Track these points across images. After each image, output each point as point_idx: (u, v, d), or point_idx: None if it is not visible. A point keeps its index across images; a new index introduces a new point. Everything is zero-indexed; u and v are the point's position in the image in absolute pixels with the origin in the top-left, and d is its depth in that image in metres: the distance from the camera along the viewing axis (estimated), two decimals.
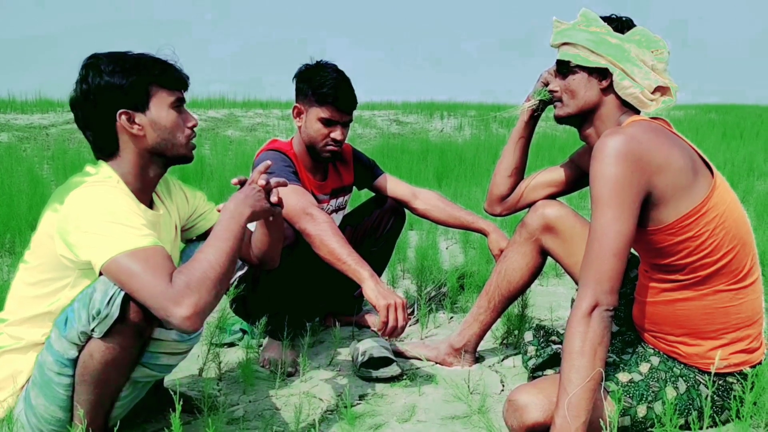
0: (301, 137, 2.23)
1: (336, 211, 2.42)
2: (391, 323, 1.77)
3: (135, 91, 1.44)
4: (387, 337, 1.79)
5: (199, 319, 1.26)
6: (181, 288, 1.25)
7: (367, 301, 2.70)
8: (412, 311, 2.67)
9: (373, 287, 1.80)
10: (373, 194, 2.51)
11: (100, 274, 1.32)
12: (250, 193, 1.47)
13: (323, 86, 2.14)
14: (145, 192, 1.53)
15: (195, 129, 1.56)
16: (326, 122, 2.17)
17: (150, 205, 1.57)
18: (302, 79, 2.20)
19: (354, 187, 2.50)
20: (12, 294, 1.49)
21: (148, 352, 1.42)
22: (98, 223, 1.31)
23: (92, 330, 1.32)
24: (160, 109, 1.48)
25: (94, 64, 1.44)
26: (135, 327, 1.34)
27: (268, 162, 1.57)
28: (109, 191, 1.39)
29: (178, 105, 1.52)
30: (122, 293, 1.30)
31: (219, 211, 1.52)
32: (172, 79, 1.50)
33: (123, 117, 1.44)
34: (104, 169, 1.48)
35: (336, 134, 2.18)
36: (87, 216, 1.33)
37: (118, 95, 1.43)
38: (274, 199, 1.54)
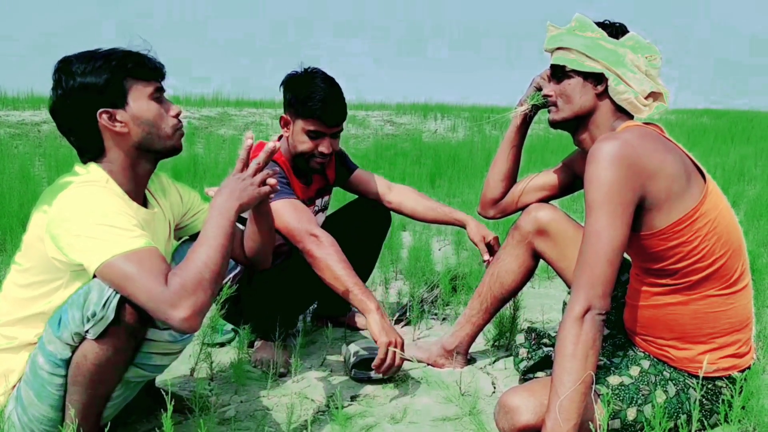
0: (289, 149, 2.16)
1: (322, 210, 2.40)
2: (388, 361, 1.82)
3: (111, 88, 1.41)
4: (378, 373, 1.87)
5: (197, 319, 1.26)
6: (177, 290, 1.25)
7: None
8: (405, 312, 2.67)
9: (377, 321, 1.84)
10: (355, 195, 2.46)
11: (94, 276, 1.31)
12: (235, 186, 1.44)
13: (310, 99, 2.05)
14: (137, 190, 1.51)
15: (180, 118, 1.52)
16: (313, 135, 2.09)
17: (144, 203, 1.56)
18: (288, 89, 2.12)
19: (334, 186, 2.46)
20: (4, 295, 1.48)
21: (141, 352, 1.42)
22: (89, 226, 1.30)
23: (86, 331, 1.31)
24: (139, 102, 1.44)
25: (65, 68, 1.41)
26: (129, 328, 1.33)
27: (275, 145, 1.50)
28: (98, 192, 1.37)
29: (158, 96, 1.47)
30: (118, 295, 1.29)
31: (207, 193, 1.50)
32: (147, 70, 1.46)
33: (104, 116, 1.42)
34: (93, 169, 1.46)
35: (323, 147, 2.10)
36: (77, 218, 1.31)
37: (94, 95, 1.40)
38: (267, 185, 1.48)
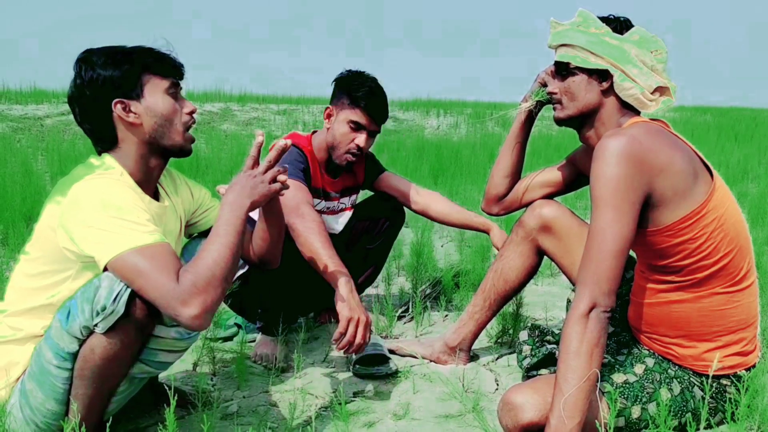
0: (326, 139, 2.23)
1: (347, 209, 2.41)
2: (347, 337, 1.71)
3: (128, 79, 1.44)
4: (339, 351, 1.75)
5: (207, 317, 1.27)
6: (188, 287, 1.25)
7: (361, 297, 2.71)
8: (407, 309, 2.67)
9: (345, 296, 1.76)
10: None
11: (105, 269, 1.31)
12: (246, 183, 1.45)
13: (359, 89, 2.16)
14: (148, 183, 1.53)
15: (194, 116, 1.54)
16: (354, 126, 2.17)
17: (155, 196, 1.57)
18: (340, 82, 2.22)
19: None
20: (12, 285, 1.48)
21: (147, 348, 1.42)
22: (103, 218, 1.31)
23: (95, 325, 1.32)
24: (155, 95, 1.47)
25: (86, 58, 1.44)
26: (138, 323, 1.34)
27: (286, 143, 1.52)
28: (112, 184, 1.38)
29: (173, 91, 1.51)
30: (128, 290, 1.30)
31: (219, 191, 1.50)
32: (165, 65, 1.49)
33: (118, 106, 1.44)
34: (108, 161, 1.48)
35: (360, 140, 2.18)
36: (91, 210, 1.32)
37: (111, 86, 1.43)
38: (278, 182, 1.50)
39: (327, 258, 1.85)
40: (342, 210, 2.38)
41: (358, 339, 1.73)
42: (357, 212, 2.47)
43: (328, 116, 2.23)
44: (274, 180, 1.48)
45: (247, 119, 10.13)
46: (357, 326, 1.72)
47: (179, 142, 1.52)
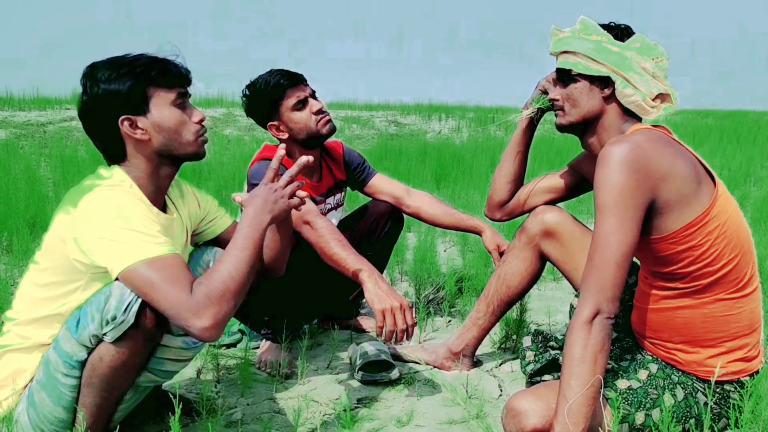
0: (297, 140, 2.21)
1: (335, 208, 2.41)
2: (388, 327, 1.71)
3: (133, 95, 1.41)
4: (387, 342, 1.76)
5: (219, 329, 1.28)
6: (201, 299, 1.26)
7: (363, 303, 2.71)
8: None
9: (371, 289, 1.75)
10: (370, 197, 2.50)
11: (116, 279, 1.32)
12: (268, 197, 1.45)
13: (270, 82, 2.15)
14: (158, 195, 1.53)
15: (203, 124, 1.52)
16: (300, 105, 2.16)
17: (163, 208, 1.57)
18: (254, 105, 2.19)
19: (348, 187, 2.50)
20: (21, 294, 1.49)
21: (154, 357, 1.43)
22: (114, 230, 1.31)
23: (104, 334, 1.32)
24: (161, 109, 1.44)
25: (91, 74, 1.43)
26: (147, 333, 1.35)
27: (308, 158, 1.52)
28: (122, 196, 1.38)
29: (181, 101, 1.48)
30: (139, 300, 1.30)
31: (235, 199, 1.50)
32: (170, 76, 1.46)
33: (125, 123, 1.42)
34: (117, 172, 1.47)
35: (314, 106, 2.18)
36: (102, 221, 1.32)
37: (116, 103, 1.41)
38: (297, 199, 1.50)
39: (345, 258, 1.86)
40: (329, 210, 2.39)
41: (400, 325, 1.71)
42: (354, 219, 2.46)
43: (277, 130, 2.20)
44: (293, 194, 1.49)
45: (249, 124, 10.13)
46: (393, 314, 1.71)
47: (191, 150, 1.51)
